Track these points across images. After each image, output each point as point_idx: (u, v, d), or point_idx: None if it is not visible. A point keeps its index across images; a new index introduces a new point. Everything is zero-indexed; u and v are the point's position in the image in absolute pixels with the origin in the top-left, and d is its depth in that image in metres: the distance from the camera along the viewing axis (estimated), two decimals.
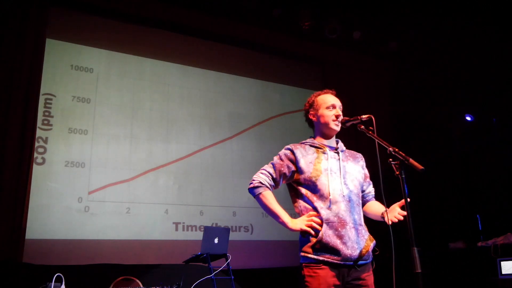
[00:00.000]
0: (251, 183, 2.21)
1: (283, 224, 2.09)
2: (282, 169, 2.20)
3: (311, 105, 2.33)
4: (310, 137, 2.35)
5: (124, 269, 4.36)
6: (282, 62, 6.75)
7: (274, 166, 2.23)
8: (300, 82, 6.70)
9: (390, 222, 2.03)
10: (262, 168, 2.27)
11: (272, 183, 2.21)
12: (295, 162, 2.19)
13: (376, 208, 2.25)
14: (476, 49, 5.82)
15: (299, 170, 2.17)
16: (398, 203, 2.07)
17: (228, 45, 6.33)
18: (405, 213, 1.99)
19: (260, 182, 2.18)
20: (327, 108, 2.25)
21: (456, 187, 6.11)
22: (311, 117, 2.32)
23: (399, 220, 2.04)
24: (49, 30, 5.14)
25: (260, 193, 2.16)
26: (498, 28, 5.53)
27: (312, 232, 2.03)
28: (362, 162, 2.35)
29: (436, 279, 4.88)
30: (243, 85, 6.35)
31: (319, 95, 2.34)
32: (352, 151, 2.38)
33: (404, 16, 6.09)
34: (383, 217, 2.11)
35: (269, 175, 2.21)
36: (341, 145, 2.32)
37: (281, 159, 2.24)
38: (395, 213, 2.05)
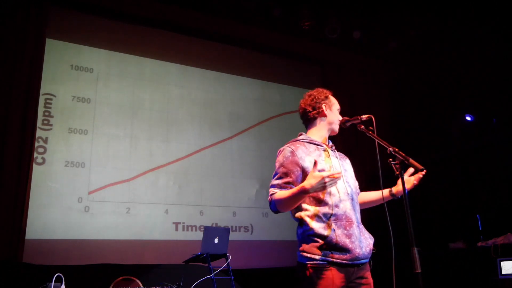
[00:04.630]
0: (269, 203, 2.05)
1: (304, 192, 1.88)
2: (288, 178, 2.04)
3: (326, 98, 2.25)
4: (301, 133, 2.26)
5: (124, 269, 4.36)
6: (282, 62, 6.75)
7: (280, 176, 2.07)
8: (300, 82, 6.70)
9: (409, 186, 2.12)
10: (270, 185, 2.10)
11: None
12: (299, 164, 2.06)
13: (372, 193, 2.27)
14: (476, 49, 5.82)
15: (304, 171, 2.05)
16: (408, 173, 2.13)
17: (228, 45, 6.33)
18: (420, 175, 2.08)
19: (271, 194, 2.03)
20: (338, 110, 2.28)
21: (456, 187, 6.10)
22: (322, 108, 2.21)
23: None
24: (49, 30, 5.14)
25: (274, 199, 2.00)
26: (498, 28, 5.53)
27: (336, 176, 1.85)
28: (348, 160, 2.35)
29: (436, 279, 4.88)
30: (243, 85, 6.35)
31: (330, 94, 2.30)
32: (339, 152, 2.35)
33: (404, 16, 6.09)
34: (393, 193, 2.19)
35: (277, 187, 2.05)
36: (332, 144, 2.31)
37: (284, 166, 2.07)
38: (412, 179, 2.13)
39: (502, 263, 4.29)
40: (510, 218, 5.18)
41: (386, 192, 2.22)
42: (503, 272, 4.26)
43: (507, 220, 5.14)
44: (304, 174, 2.05)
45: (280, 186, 2.04)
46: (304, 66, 6.93)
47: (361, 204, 2.25)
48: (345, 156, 2.36)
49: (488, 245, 4.67)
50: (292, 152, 2.09)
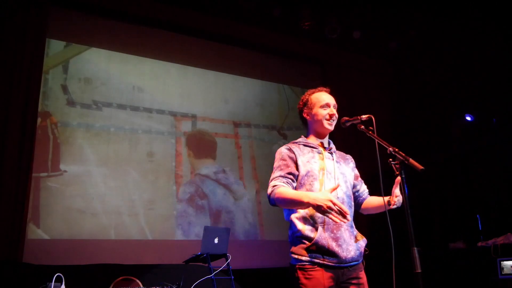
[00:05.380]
0: (267, 195, 2.06)
1: (305, 199, 1.90)
2: (289, 168, 2.10)
3: (305, 103, 2.29)
4: (301, 136, 2.32)
5: (124, 269, 4.37)
6: (282, 62, 6.75)
7: (281, 168, 2.12)
8: (300, 82, 6.70)
9: (392, 205, 2.09)
10: (271, 179, 2.12)
11: (287, 182, 2.08)
12: (296, 160, 2.13)
13: (376, 200, 2.25)
14: (476, 49, 5.82)
15: (298, 167, 2.12)
16: (394, 185, 2.08)
17: (228, 45, 6.33)
18: (398, 194, 2.08)
19: (274, 186, 2.05)
20: (321, 107, 2.22)
21: (456, 187, 6.10)
22: (305, 115, 2.29)
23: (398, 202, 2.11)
24: (49, 30, 5.14)
25: (275, 193, 2.02)
26: (498, 27, 5.53)
27: (337, 218, 1.83)
28: (352, 163, 2.35)
29: (436, 279, 4.88)
30: (243, 85, 6.35)
31: (313, 93, 2.30)
32: (342, 153, 2.36)
33: (404, 16, 6.08)
34: (390, 203, 2.13)
35: (280, 177, 2.08)
36: (333, 146, 2.31)
37: (283, 159, 2.14)
38: (393, 196, 2.10)
39: (502, 263, 4.29)
40: (510, 218, 5.18)
41: (381, 203, 2.18)
42: (503, 272, 4.26)
43: (507, 220, 5.14)
44: (298, 171, 2.11)
45: (283, 176, 2.09)
46: (304, 66, 6.92)
47: (366, 209, 2.28)
48: (349, 159, 2.36)
49: (488, 245, 4.67)
50: (289, 149, 2.18)
